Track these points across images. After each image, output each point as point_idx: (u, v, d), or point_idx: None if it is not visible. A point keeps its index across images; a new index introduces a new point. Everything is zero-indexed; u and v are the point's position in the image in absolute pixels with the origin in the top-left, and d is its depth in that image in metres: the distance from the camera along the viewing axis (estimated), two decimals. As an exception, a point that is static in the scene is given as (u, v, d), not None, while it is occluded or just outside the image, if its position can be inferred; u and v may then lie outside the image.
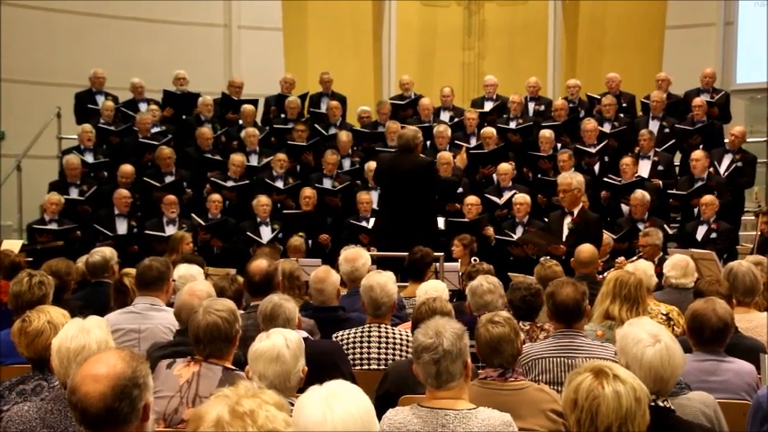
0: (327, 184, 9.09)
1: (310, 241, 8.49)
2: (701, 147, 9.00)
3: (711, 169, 8.63)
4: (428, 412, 2.65)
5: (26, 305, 4.00)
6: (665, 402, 2.62)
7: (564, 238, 6.42)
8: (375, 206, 8.55)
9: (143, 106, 10.12)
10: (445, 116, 10.22)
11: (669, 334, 2.75)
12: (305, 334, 3.62)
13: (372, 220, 8.30)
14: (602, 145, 9.04)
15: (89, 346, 2.67)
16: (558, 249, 6.32)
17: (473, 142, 9.59)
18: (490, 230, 8.27)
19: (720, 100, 9.60)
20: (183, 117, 10.14)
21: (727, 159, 8.77)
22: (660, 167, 8.85)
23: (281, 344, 2.85)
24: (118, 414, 2.00)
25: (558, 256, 6.18)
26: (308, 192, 8.67)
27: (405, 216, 6.82)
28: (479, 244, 8.16)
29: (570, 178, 6.57)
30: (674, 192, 8.48)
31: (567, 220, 6.49)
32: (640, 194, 8.01)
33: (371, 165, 8.42)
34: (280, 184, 9.08)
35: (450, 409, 2.65)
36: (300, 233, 8.01)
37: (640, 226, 7.83)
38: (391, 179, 6.99)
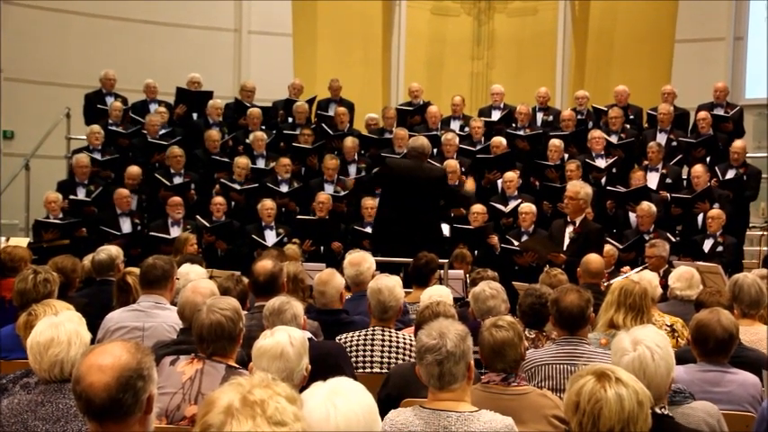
0: (329, 189, 9.10)
1: (322, 247, 8.50)
2: (707, 159, 9.02)
3: (714, 180, 8.63)
4: (430, 413, 2.65)
5: (31, 302, 3.98)
6: (663, 410, 2.62)
7: (565, 247, 6.42)
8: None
9: (154, 107, 10.17)
10: (455, 125, 10.24)
11: (656, 344, 2.66)
12: (309, 335, 3.62)
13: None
14: (611, 161, 9.05)
15: (58, 338, 2.67)
16: (557, 258, 6.32)
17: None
18: (495, 239, 8.27)
19: (735, 115, 9.59)
20: (195, 116, 10.17)
21: (731, 174, 8.77)
22: (668, 180, 8.86)
23: (285, 341, 2.85)
24: (121, 405, 2.01)
25: (557, 264, 6.17)
26: (322, 197, 8.68)
27: (412, 221, 6.84)
28: (484, 252, 8.17)
29: (579, 187, 6.57)
30: (677, 195, 8.50)
31: (570, 229, 6.50)
32: (647, 206, 8.04)
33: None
34: (284, 188, 9.11)
35: (452, 410, 2.65)
36: (295, 240, 8.00)
37: (646, 237, 7.84)
38: (405, 185, 7.00)
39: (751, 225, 9.34)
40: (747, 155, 9.76)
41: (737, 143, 8.84)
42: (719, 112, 9.57)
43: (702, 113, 9.35)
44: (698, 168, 8.51)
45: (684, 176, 9.18)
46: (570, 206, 6.53)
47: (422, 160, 7.07)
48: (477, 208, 8.42)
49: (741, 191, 8.66)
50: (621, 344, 2.68)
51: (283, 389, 1.62)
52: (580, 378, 2.24)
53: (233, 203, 8.93)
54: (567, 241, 6.46)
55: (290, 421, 1.57)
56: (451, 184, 8.42)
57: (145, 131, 9.73)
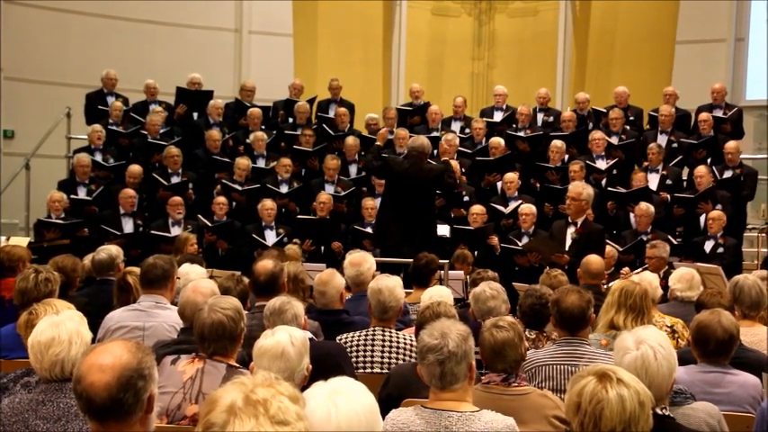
0: (329, 189, 9.10)
1: (323, 247, 8.50)
2: (708, 161, 9.02)
3: (712, 181, 8.64)
4: (431, 413, 2.65)
5: (32, 301, 3.98)
6: (664, 410, 2.62)
7: (567, 248, 6.43)
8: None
9: (154, 108, 10.16)
10: (456, 126, 10.25)
11: (658, 343, 2.67)
12: (309, 335, 3.62)
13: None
14: (612, 162, 9.05)
15: (59, 337, 2.67)
16: (561, 258, 6.33)
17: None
18: (495, 240, 8.27)
19: (734, 116, 9.59)
20: (195, 116, 10.17)
21: (728, 174, 8.78)
22: (668, 181, 8.87)
23: (286, 341, 2.85)
24: (122, 404, 2.00)
25: (560, 265, 6.18)
26: (323, 197, 8.69)
27: (411, 221, 6.86)
28: (484, 253, 8.17)
29: (582, 188, 6.61)
30: (680, 195, 8.50)
31: (571, 230, 6.53)
32: (645, 206, 8.03)
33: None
34: (284, 188, 9.11)
35: (453, 410, 2.65)
36: (295, 240, 8.01)
37: (644, 239, 7.84)
38: (404, 184, 7.02)
39: (750, 226, 9.34)
40: (749, 156, 9.80)
41: (730, 144, 8.84)
42: (718, 113, 9.57)
43: (704, 115, 9.35)
44: (701, 169, 8.51)
45: (684, 177, 9.19)
46: (572, 207, 6.54)
47: (422, 160, 7.09)
48: (477, 209, 8.42)
49: (738, 191, 8.66)
50: (624, 342, 2.69)
51: (286, 388, 1.62)
52: (581, 379, 2.24)
53: (233, 203, 8.93)
54: (568, 242, 6.48)
55: (292, 420, 1.57)
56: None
57: (145, 131, 9.73)
